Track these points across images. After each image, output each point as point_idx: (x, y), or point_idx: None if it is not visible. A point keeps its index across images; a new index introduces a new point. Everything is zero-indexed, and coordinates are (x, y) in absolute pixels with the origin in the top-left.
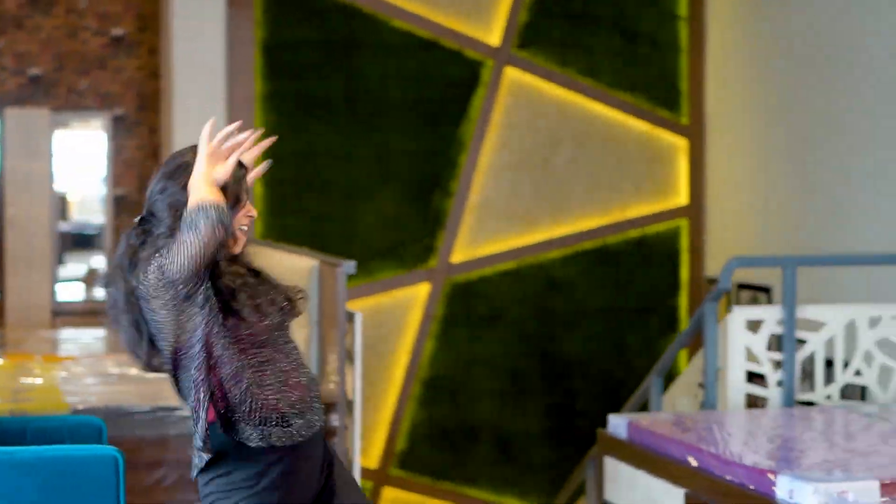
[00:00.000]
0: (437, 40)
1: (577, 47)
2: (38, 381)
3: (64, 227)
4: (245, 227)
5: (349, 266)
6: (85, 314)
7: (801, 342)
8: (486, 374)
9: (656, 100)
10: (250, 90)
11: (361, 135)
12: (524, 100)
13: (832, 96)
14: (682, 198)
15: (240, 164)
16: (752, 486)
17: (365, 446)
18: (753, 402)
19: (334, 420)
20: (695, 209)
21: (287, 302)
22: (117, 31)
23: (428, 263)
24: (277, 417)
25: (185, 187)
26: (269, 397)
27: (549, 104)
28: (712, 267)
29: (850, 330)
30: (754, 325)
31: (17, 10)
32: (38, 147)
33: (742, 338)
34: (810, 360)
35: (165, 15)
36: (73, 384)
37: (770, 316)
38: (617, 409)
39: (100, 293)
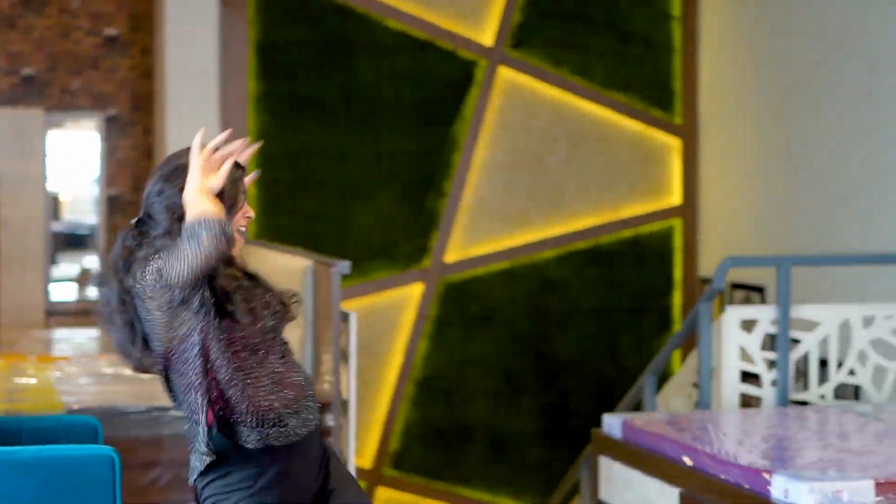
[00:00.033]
0: (431, 40)
1: (570, 47)
2: (33, 381)
3: (56, 227)
4: (243, 229)
5: (343, 266)
6: (78, 314)
7: (796, 342)
8: (479, 374)
9: (650, 100)
10: (244, 90)
11: (355, 135)
12: (518, 100)
13: (825, 96)
14: (675, 198)
15: (237, 166)
16: (747, 486)
17: (359, 446)
18: (747, 402)
19: (329, 420)
20: (688, 209)
21: (281, 305)
22: (110, 31)
23: (421, 263)
24: (274, 418)
25: (181, 189)
26: (265, 398)
27: (543, 104)
28: (705, 267)
29: (845, 329)
30: (748, 325)
31: (10, 10)
32: (31, 147)
33: (736, 337)
34: (804, 360)
35: (158, 15)
36: (68, 384)
37: (764, 315)
38: (610, 408)
39: (93, 293)
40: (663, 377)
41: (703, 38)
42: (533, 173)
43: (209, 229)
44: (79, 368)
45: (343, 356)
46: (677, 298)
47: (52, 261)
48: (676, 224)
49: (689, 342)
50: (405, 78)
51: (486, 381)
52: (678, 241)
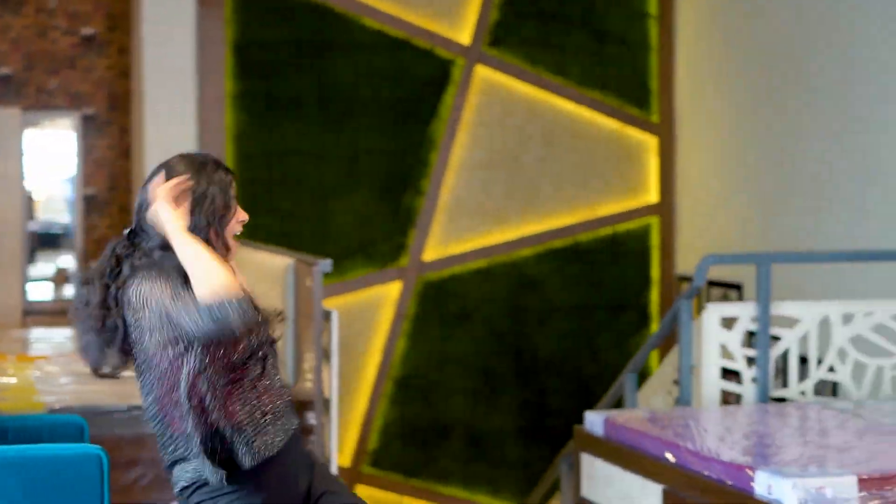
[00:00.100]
0: (408, 39)
1: (547, 46)
2: (13, 380)
3: (31, 226)
4: (238, 233)
5: (325, 265)
6: (55, 314)
7: (775, 339)
8: (458, 373)
9: (626, 98)
10: (221, 90)
11: (332, 134)
12: (495, 98)
13: (802, 94)
14: (652, 195)
15: (226, 171)
16: (730, 482)
17: (338, 445)
18: (726, 399)
19: (311, 418)
20: (665, 207)
21: (266, 325)
22: (87, 31)
23: (399, 262)
24: (253, 427)
25: (175, 201)
26: (241, 407)
27: (520, 102)
28: (682, 264)
29: (824, 326)
30: (727, 322)
31: None
32: (7, 147)
33: (717, 334)
34: (783, 357)
35: (135, 14)
36: (48, 383)
37: (744, 313)
38: (589, 406)
39: (69, 292)
40: (641, 375)
41: (680, 36)
42: (510, 172)
43: (238, 311)
44: (58, 368)
45: (325, 355)
46: (655, 296)
47: (29, 260)
48: (653, 222)
49: (668, 340)
50: (382, 77)
51: (464, 380)
52: (655, 239)
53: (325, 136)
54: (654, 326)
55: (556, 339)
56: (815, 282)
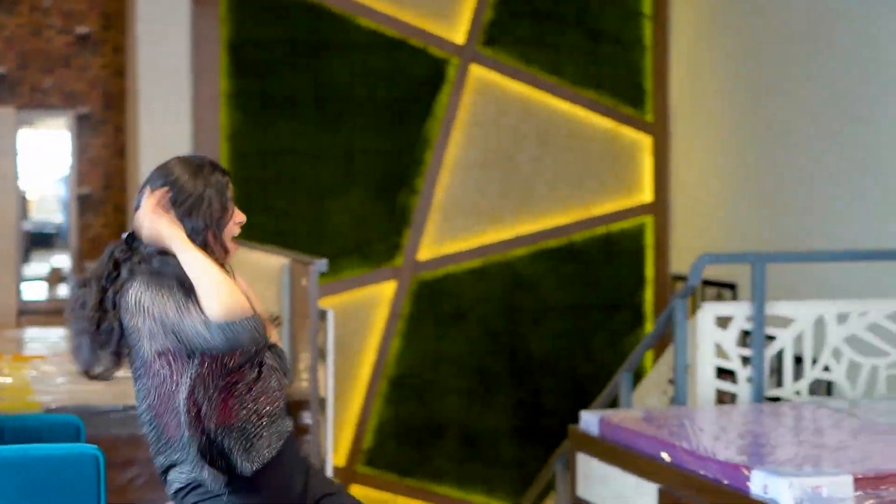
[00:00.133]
0: (403, 39)
1: (541, 45)
2: (9, 380)
3: (25, 226)
4: (236, 235)
5: (321, 264)
6: (49, 313)
7: (770, 338)
8: (452, 372)
9: (621, 97)
10: (216, 89)
11: (327, 133)
12: (489, 97)
13: (797, 94)
14: (646, 195)
15: (223, 172)
16: (726, 482)
17: (332, 444)
18: (721, 399)
19: (306, 418)
20: (659, 206)
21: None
22: (82, 30)
23: (394, 261)
24: (249, 432)
25: (172, 205)
26: (235, 414)
27: (514, 102)
28: (677, 264)
29: (819, 326)
30: (722, 322)
31: None
32: (2, 146)
33: (712, 334)
34: (777, 357)
35: (130, 13)
36: (44, 383)
37: (739, 312)
38: (584, 405)
39: (63, 292)
40: (635, 375)
41: (674, 35)
42: (505, 171)
43: (249, 332)
44: (54, 367)
45: (320, 354)
46: (649, 295)
47: (24, 260)
48: (648, 221)
49: (662, 340)
50: (377, 76)
51: (459, 379)
52: (650, 239)
53: (319, 136)
54: (649, 326)
55: (551, 338)
56: (810, 281)
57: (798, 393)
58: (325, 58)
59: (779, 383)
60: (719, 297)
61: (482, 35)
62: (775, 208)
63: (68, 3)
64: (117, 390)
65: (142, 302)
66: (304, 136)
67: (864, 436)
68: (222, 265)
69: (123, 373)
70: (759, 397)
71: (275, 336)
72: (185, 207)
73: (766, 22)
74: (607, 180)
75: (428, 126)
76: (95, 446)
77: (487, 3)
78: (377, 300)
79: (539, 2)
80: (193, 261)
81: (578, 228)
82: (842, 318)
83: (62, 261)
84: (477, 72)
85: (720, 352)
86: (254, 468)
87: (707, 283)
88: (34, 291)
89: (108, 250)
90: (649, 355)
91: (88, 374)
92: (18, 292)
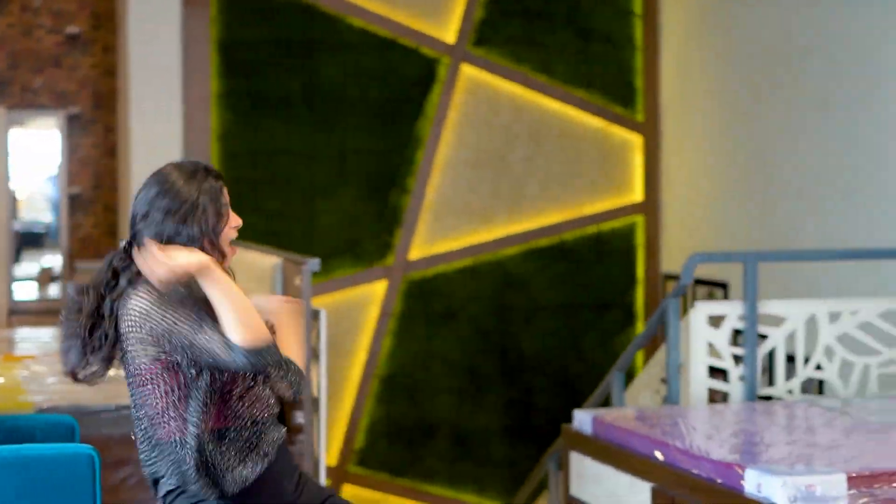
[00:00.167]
0: (394, 38)
1: (532, 44)
2: (0, 380)
3: (15, 226)
4: (234, 238)
5: (314, 264)
6: (40, 313)
7: (763, 337)
8: (443, 371)
9: (611, 96)
10: (206, 89)
11: (319, 133)
12: (480, 97)
13: (787, 93)
14: (637, 194)
15: (216, 177)
16: (719, 480)
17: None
18: (713, 398)
19: (299, 417)
20: (650, 205)
21: None
22: (72, 30)
23: (385, 261)
24: (243, 438)
25: (167, 213)
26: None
27: (505, 101)
28: (668, 263)
29: (811, 325)
30: (714, 321)
31: None
32: None
33: (704, 333)
34: (769, 356)
35: (121, 13)
36: (36, 383)
37: (732, 311)
38: (575, 404)
39: (54, 292)
40: (626, 375)
41: (665, 34)
42: (496, 170)
43: (272, 359)
44: (46, 367)
45: (313, 354)
46: (640, 294)
47: (14, 260)
48: (638, 220)
49: (653, 340)
50: (369, 76)
51: (450, 378)
52: (640, 238)
53: (311, 136)
54: (640, 325)
55: (542, 337)
56: (801, 280)
57: (790, 392)
58: (317, 58)
59: (770, 382)
60: (710, 296)
61: (473, 35)
62: (766, 207)
63: (58, 3)
64: (109, 390)
65: (147, 310)
66: (295, 137)
67: (856, 434)
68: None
69: (114, 373)
70: (752, 396)
71: None
72: (179, 215)
73: (756, 21)
74: (598, 180)
75: (419, 126)
76: (90, 446)
77: (478, 3)
78: (368, 300)
79: (530, 1)
80: (219, 282)
81: (569, 228)
82: (834, 317)
83: (52, 261)
84: (468, 71)
85: (712, 351)
86: (248, 476)
87: (698, 282)
88: (25, 291)
89: (107, 259)
90: (640, 355)
91: (74, 377)
92: (9, 292)
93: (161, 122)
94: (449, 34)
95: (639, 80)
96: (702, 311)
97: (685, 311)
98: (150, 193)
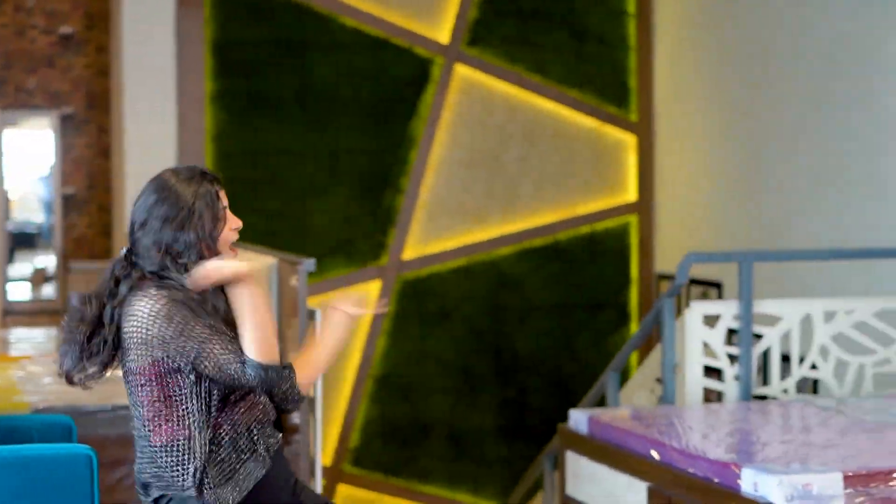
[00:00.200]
0: (388, 38)
1: (526, 44)
2: None
3: (8, 226)
4: (235, 240)
5: (309, 264)
6: (34, 314)
7: (758, 337)
8: (438, 371)
9: (605, 96)
10: (200, 89)
11: (312, 133)
12: (474, 97)
13: (781, 93)
14: (631, 194)
15: (212, 181)
16: (716, 480)
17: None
18: (707, 397)
19: (295, 417)
20: (644, 205)
21: None
22: (65, 30)
23: (379, 260)
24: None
25: (165, 220)
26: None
27: (499, 101)
28: (661, 263)
29: (806, 324)
30: (709, 321)
31: None
32: None
33: (699, 333)
34: (763, 355)
35: (115, 13)
36: (32, 384)
37: (727, 311)
38: (569, 404)
39: (47, 292)
40: (620, 375)
41: (659, 34)
42: (490, 170)
43: (284, 379)
44: (41, 368)
45: None
46: (634, 294)
47: (8, 260)
48: (632, 220)
49: (647, 340)
50: (362, 76)
51: (444, 378)
52: (634, 238)
53: (304, 136)
54: (634, 325)
55: (536, 337)
56: (795, 280)
57: (785, 391)
58: (310, 58)
59: (765, 382)
60: (704, 296)
61: (467, 34)
62: (760, 207)
63: (51, 3)
64: (105, 391)
65: (155, 313)
66: (289, 136)
67: (852, 434)
68: None
69: (110, 373)
70: (747, 396)
71: None
72: (177, 222)
73: (750, 21)
74: (592, 180)
75: (413, 126)
76: (88, 446)
77: (472, 3)
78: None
79: (523, 1)
80: (257, 301)
81: (563, 227)
82: (829, 317)
83: (45, 261)
84: (462, 71)
85: (707, 350)
86: (242, 483)
87: (692, 281)
88: (18, 292)
89: (109, 268)
90: (633, 355)
91: (70, 381)
92: (3, 293)
93: (155, 123)
94: (443, 34)
95: (632, 80)
96: (697, 310)
97: (679, 310)
98: (149, 201)
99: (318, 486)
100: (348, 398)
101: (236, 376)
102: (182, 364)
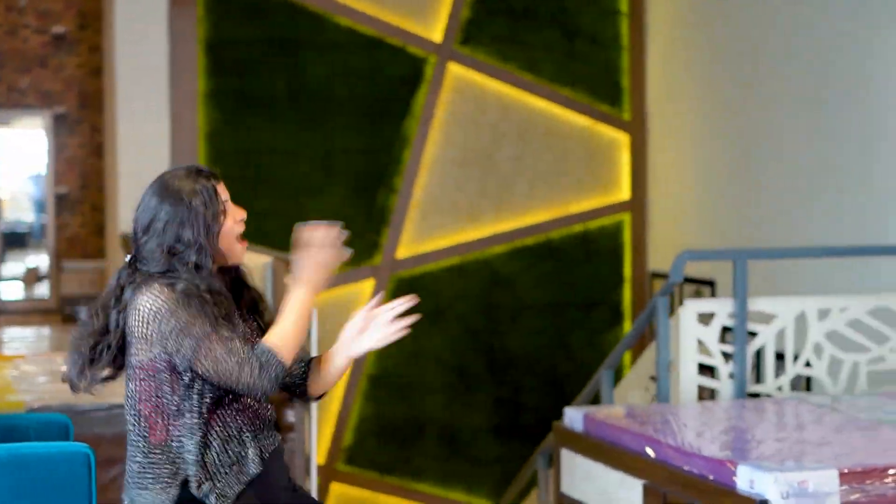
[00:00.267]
0: (381, 37)
1: (518, 43)
2: None
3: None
4: (241, 231)
5: None
6: (27, 313)
7: (752, 334)
8: (431, 370)
9: (597, 95)
10: (194, 88)
11: (306, 132)
12: (467, 96)
13: (774, 92)
14: (624, 193)
15: (209, 177)
16: (711, 477)
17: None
18: (700, 395)
19: (290, 416)
20: (637, 204)
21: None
22: (58, 29)
23: (373, 260)
24: (234, 444)
25: (167, 222)
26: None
27: (492, 100)
28: (655, 261)
29: (800, 322)
30: (703, 318)
31: None
32: None
33: (694, 331)
34: (758, 353)
35: (107, 13)
36: (26, 382)
37: (721, 309)
38: (563, 403)
39: (40, 291)
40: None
41: (651, 33)
42: (483, 169)
43: (274, 372)
44: (36, 367)
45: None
46: (627, 293)
47: (2, 260)
48: (625, 219)
49: (640, 339)
50: (355, 75)
51: (438, 377)
52: (627, 236)
53: (298, 135)
54: (627, 324)
55: (529, 336)
56: (789, 278)
57: (779, 389)
58: (303, 57)
59: (758, 379)
60: (698, 294)
61: (460, 34)
62: (752, 205)
63: (44, 3)
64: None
65: (158, 308)
66: (282, 135)
67: (847, 431)
68: (234, 266)
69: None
70: (742, 393)
71: None
72: (177, 222)
73: (742, 20)
74: (585, 178)
75: (406, 125)
76: (86, 445)
77: (464, 2)
78: (356, 298)
79: (516, 0)
80: (304, 306)
81: (556, 226)
82: (823, 314)
83: (37, 260)
84: (455, 70)
85: (702, 348)
86: (234, 485)
87: (686, 280)
88: (11, 291)
89: (115, 276)
90: (626, 353)
91: (73, 388)
92: None
93: (148, 122)
94: (436, 33)
95: (625, 79)
96: (691, 308)
97: (673, 309)
98: (150, 204)
99: (314, 484)
100: (342, 397)
101: (233, 376)
102: (179, 360)
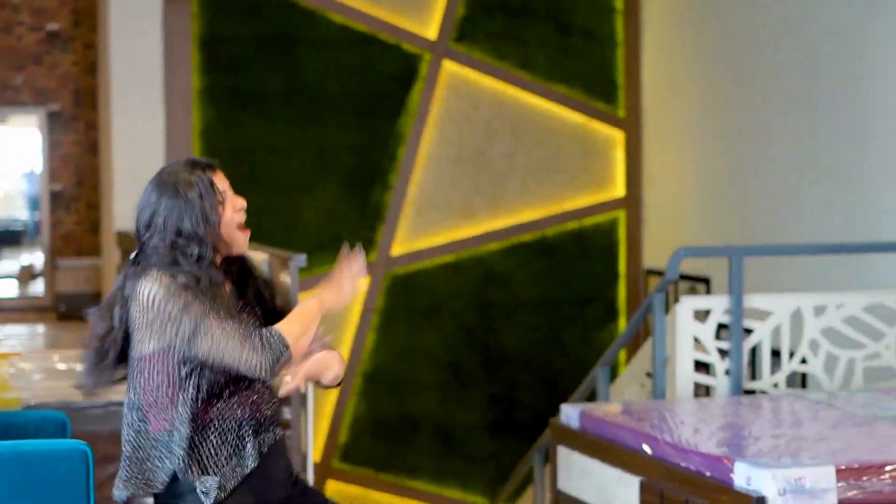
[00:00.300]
0: (375, 34)
1: (513, 40)
2: None
3: None
4: (243, 220)
5: (300, 259)
6: (23, 310)
7: (748, 331)
8: (426, 367)
9: (592, 92)
10: (188, 84)
11: (300, 129)
12: (462, 93)
13: (769, 89)
14: (618, 190)
15: (205, 168)
16: (708, 473)
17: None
18: (696, 392)
19: (287, 413)
20: (631, 201)
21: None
22: (52, 27)
23: (367, 257)
24: (233, 437)
25: (167, 217)
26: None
27: (487, 97)
28: (649, 258)
29: (796, 319)
30: (699, 315)
31: None
32: None
33: (690, 327)
34: (753, 350)
35: (102, 10)
36: (22, 380)
37: (717, 305)
38: (558, 400)
39: (35, 289)
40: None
41: (646, 30)
42: (478, 166)
43: (277, 349)
44: (32, 364)
45: None
46: (622, 290)
47: None
48: (620, 216)
49: (636, 336)
50: (349, 72)
51: (433, 374)
52: (622, 233)
53: (292, 132)
54: (622, 320)
55: (524, 333)
56: (785, 275)
57: (776, 385)
58: (298, 54)
59: (754, 376)
60: (693, 291)
61: (454, 31)
62: (747, 202)
63: (38, 0)
64: None
65: (155, 293)
66: (276, 132)
67: (843, 427)
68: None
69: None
70: (738, 390)
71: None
72: (176, 215)
73: (737, 17)
74: (580, 175)
75: (401, 122)
76: (84, 442)
77: None
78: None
79: None
80: (314, 310)
81: (551, 223)
82: (818, 311)
83: (32, 258)
84: (449, 67)
85: (698, 345)
86: (231, 477)
87: (681, 277)
88: (6, 289)
89: (120, 275)
90: (622, 350)
91: (85, 391)
92: None
93: (143, 119)
94: (430, 30)
95: (620, 76)
96: (687, 305)
97: (668, 305)
98: (150, 200)
99: (310, 481)
100: (337, 394)
101: (235, 353)
102: (179, 343)
